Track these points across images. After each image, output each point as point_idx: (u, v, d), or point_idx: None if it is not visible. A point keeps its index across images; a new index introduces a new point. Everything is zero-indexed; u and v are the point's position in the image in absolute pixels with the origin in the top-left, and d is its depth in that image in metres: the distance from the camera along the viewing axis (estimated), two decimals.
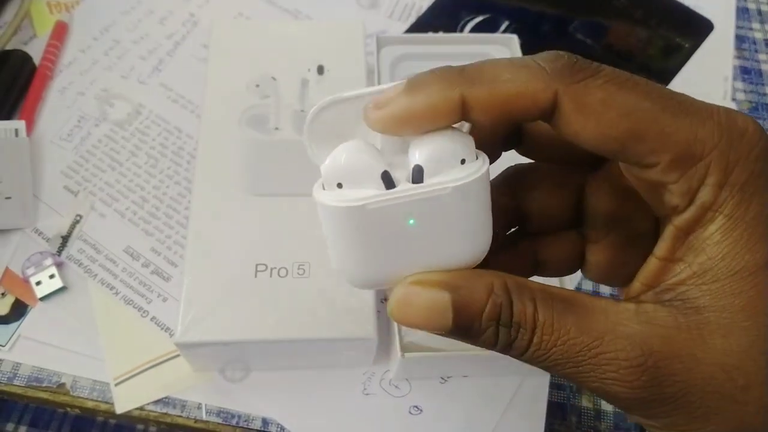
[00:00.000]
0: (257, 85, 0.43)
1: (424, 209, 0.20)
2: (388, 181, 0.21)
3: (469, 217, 0.21)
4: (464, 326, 0.20)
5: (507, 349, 0.20)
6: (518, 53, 0.46)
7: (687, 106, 0.19)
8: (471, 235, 0.21)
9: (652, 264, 0.21)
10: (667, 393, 0.19)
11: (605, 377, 0.19)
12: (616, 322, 0.19)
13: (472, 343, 0.21)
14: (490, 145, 0.22)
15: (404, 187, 0.20)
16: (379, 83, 0.45)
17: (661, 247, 0.20)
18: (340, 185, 0.21)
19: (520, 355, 0.20)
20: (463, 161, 0.20)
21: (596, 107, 0.19)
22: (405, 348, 0.36)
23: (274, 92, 0.43)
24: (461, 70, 0.20)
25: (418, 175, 0.20)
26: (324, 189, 0.22)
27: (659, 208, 0.21)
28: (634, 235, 0.24)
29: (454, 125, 0.21)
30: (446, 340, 0.34)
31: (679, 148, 0.19)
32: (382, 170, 0.21)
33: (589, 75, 0.19)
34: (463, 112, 0.19)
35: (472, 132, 0.22)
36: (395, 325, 0.36)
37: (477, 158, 0.21)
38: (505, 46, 0.48)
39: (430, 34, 0.55)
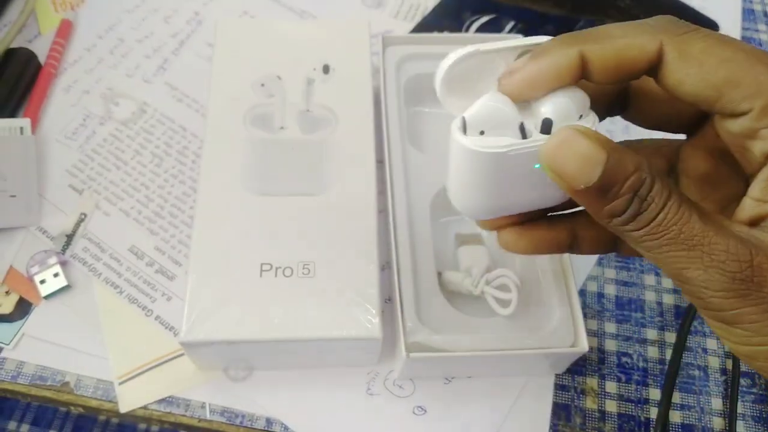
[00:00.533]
0: (262, 85, 0.43)
1: None
2: (524, 132, 0.25)
3: None
4: (606, 186, 0.22)
5: (630, 219, 0.22)
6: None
7: None
8: None
9: (746, 204, 0.23)
10: (764, 293, 0.21)
11: (710, 264, 0.21)
12: (731, 228, 0.22)
13: (597, 207, 0.23)
14: (599, 107, 0.25)
15: (536, 137, 0.24)
16: (384, 83, 0.45)
17: (755, 189, 0.23)
18: (482, 132, 0.25)
19: (639, 228, 0.22)
20: (580, 116, 0.24)
21: (697, 55, 0.21)
22: (410, 348, 0.36)
23: (280, 91, 0.43)
24: (578, 33, 0.24)
25: (546, 127, 0.24)
26: (465, 133, 0.25)
27: (750, 163, 0.23)
28: (725, 198, 0.26)
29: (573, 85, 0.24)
30: (451, 340, 0.34)
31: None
32: (519, 122, 0.25)
33: (690, 30, 0.22)
34: (582, 69, 0.23)
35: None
36: (400, 324, 0.36)
37: (590, 115, 0.25)
38: None
39: (436, 34, 0.55)
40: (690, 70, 0.21)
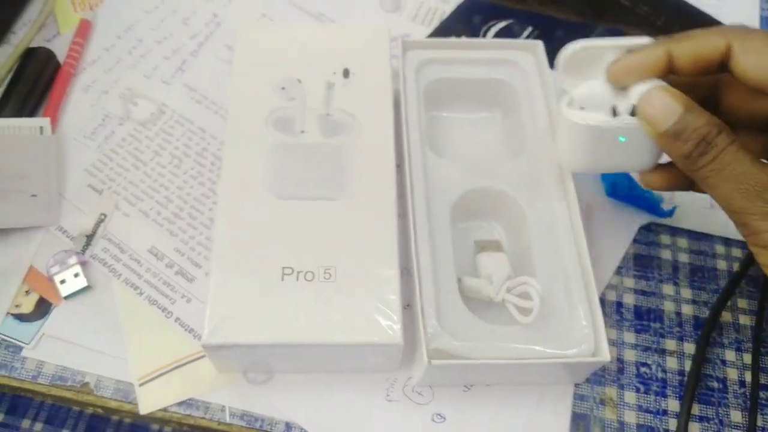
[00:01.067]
0: (283, 88, 0.43)
1: (631, 132, 0.35)
2: (615, 112, 0.35)
3: (653, 143, 0.34)
4: (679, 131, 0.31)
5: (696, 159, 0.31)
6: (543, 60, 0.46)
7: None
8: (652, 153, 0.36)
9: None
10: None
11: (752, 193, 0.30)
12: None
13: (673, 149, 0.32)
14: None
15: (623, 117, 0.34)
16: (404, 87, 0.45)
17: None
18: (582, 108, 0.36)
19: (703, 166, 0.30)
20: None
21: (757, 48, 0.29)
22: (431, 354, 0.36)
23: (300, 95, 0.43)
24: (669, 36, 0.33)
25: (634, 111, 0.34)
26: (569, 107, 0.36)
27: None
28: None
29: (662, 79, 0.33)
30: (471, 347, 0.34)
31: None
32: (612, 105, 0.35)
33: (754, 30, 0.30)
34: (669, 63, 0.32)
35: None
36: (422, 330, 0.36)
37: None
38: (529, 52, 0.48)
39: (455, 39, 0.55)
40: (751, 59, 0.29)
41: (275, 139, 0.41)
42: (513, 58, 0.47)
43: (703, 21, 0.60)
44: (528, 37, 0.58)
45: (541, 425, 0.39)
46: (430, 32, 0.57)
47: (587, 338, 0.37)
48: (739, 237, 0.48)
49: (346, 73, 0.44)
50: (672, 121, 0.30)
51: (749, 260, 0.45)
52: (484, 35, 0.58)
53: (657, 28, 0.60)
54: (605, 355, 0.36)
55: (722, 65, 0.31)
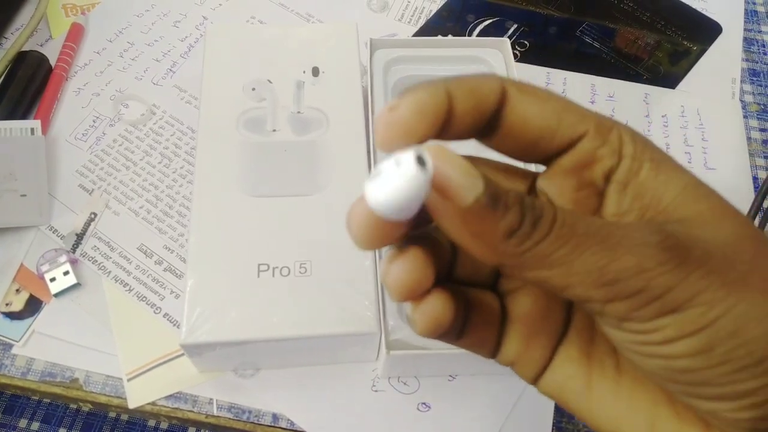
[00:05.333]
0: (253, 89, 0.43)
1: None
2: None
3: None
4: (494, 195, 0.18)
5: (532, 229, 0.19)
6: (510, 56, 0.47)
7: None
8: None
9: None
10: (695, 255, 0.19)
11: (635, 243, 0.19)
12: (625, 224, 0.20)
13: (492, 226, 0.19)
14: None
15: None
16: (371, 85, 0.46)
17: (608, 206, 0.22)
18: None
19: (545, 236, 0.19)
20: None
21: (533, 89, 0.22)
22: (390, 345, 0.36)
23: (271, 95, 0.43)
24: (442, 79, 0.22)
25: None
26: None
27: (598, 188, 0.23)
28: None
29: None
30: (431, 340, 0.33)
31: (597, 118, 0.22)
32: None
33: (524, 82, 0.22)
34: (449, 111, 0.21)
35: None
36: (381, 322, 0.36)
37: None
38: (497, 49, 0.48)
39: (422, 38, 0.56)
40: (529, 99, 0.22)
41: (247, 138, 0.41)
42: (481, 56, 0.48)
43: (690, 15, 0.61)
44: (514, 33, 0.58)
45: (526, 413, 0.40)
46: (416, 31, 0.58)
47: None
48: None
49: (315, 72, 0.44)
50: (481, 185, 0.18)
51: None
52: (471, 33, 0.58)
53: (643, 24, 0.60)
54: None
55: (498, 105, 0.22)
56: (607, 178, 0.22)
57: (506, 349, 0.24)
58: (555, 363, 0.23)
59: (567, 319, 0.24)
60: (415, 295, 0.20)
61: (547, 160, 0.23)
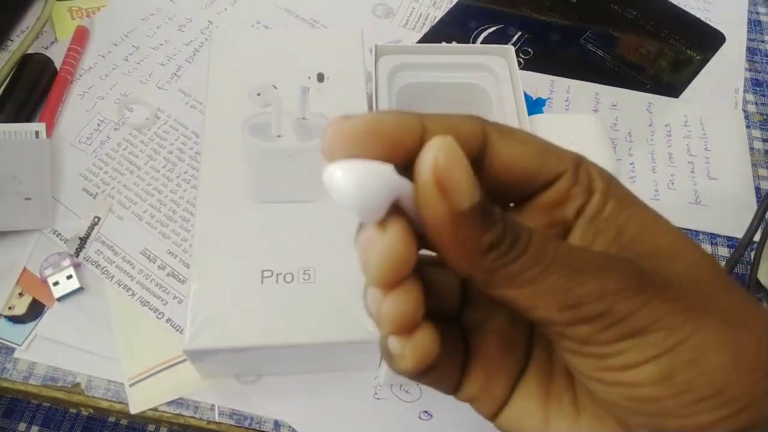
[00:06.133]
0: (258, 94, 0.43)
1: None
2: None
3: None
4: (486, 207, 0.19)
5: (512, 245, 0.19)
6: (514, 64, 0.47)
7: None
8: None
9: None
10: (655, 284, 0.19)
11: (601, 269, 0.19)
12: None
13: (478, 236, 0.19)
14: None
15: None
16: (376, 91, 0.46)
17: (573, 240, 0.22)
18: None
19: (522, 254, 0.19)
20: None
21: (513, 131, 0.22)
22: None
23: (276, 100, 0.43)
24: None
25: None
26: None
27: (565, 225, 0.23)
28: None
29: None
30: None
31: (573, 156, 0.22)
32: None
33: (504, 125, 0.22)
34: (422, 138, 0.20)
35: None
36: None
37: None
38: (501, 56, 0.48)
39: (427, 44, 0.56)
40: (509, 142, 0.21)
41: (252, 144, 0.41)
42: (485, 63, 0.48)
43: (693, 25, 0.61)
44: (518, 41, 0.59)
45: None
46: (421, 37, 0.58)
47: None
48: (726, 233, 0.49)
49: (320, 77, 0.44)
50: (477, 197, 0.18)
51: (736, 259, 0.45)
52: (475, 40, 0.58)
53: (646, 32, 0.60)
54: None
55: (479, 148, 0.21)
56: (578, 214, 0.22)
57: (468, 386, 0.24)
58: (514, 400, 0.23)
59: (527, 356, 0.24)
60: (410, 328, 0.20)
61: (524, 199, 0.23)
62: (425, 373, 0.22)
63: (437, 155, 0.18)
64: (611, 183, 0.22)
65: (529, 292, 0.19)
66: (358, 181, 0.18)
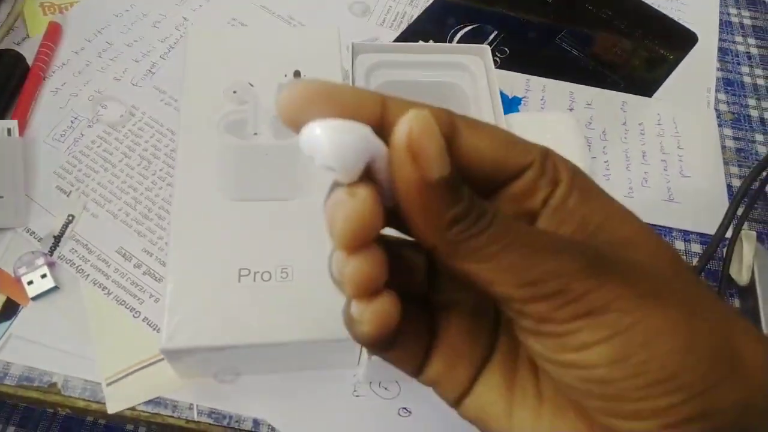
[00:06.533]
0: (234, 92, 0.43)
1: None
2: None
3: None
4: (455, 182, 0.19)
5: (476, 220, 0.20)
6: (490, 63, 0.47)
7: None
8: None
9: None
10: (612, 267, 0.20)
11: (560, 249, 0.20)
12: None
13: (443, 209, 0.19)
14: None
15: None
16: None
17: (540, 226, 0.23)
18: None
19: (484, 229, 0.20)
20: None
21: (480, 123, 0.22)
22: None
23: (252, 98, 0.43)
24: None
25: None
26: None
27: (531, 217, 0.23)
28: None
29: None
30: None
31: (539, 148, 0.23)
32: None
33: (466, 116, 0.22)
34: (381, 115, 0.20)
35: None
36: None
37: None
38: (477, 55, 0.49)
39: (404, 43, 0.56)
40: (477, 132, 0.22)
41: (228, 142, 0.41)
42: (462, 62, 0.48)
43: (666, 25, 0.62)
44: (494, 39, 0.59)
45: None
46: (398, 36, 0.58)
47: None
48: (699, 230, 0.50)
49: (297, 75, 0.44)
50: (447, 170, 0.19)
51: (709, 255, 0.46)
52: (451, 39, 0.59)
53: (621, 32, 0.61)
54: None
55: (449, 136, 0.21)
56: (544, 204, 0.23)
57: (430, 368, 0.24)
58: (477, 388, 0.24)
59: (491, 345, 0.24)
60: (372, 292, 0.20)
61: (493, 191, 0.23)
62: (386, 347, 0.23)
63: (412, 125, 0.19)
64: (577, 174, 0.23)
65: (490, 267, 0.20)
66: (337, 138, 0.18)
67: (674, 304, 0.20)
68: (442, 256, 0.21)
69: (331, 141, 0.18)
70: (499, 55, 0.58)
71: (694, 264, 0.47)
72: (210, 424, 0.39)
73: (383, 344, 0.22)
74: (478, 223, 0.20)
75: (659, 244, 0.22)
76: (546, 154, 0.23)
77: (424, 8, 0.60)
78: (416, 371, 0.24)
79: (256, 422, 0.40)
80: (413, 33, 0.59)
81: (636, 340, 0.19)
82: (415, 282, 0.25)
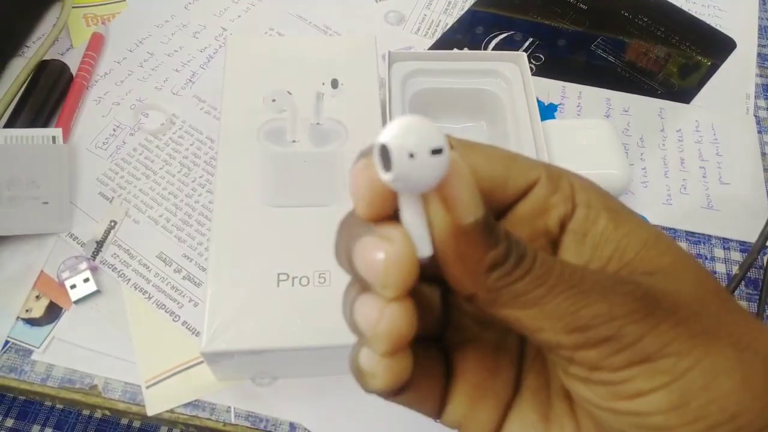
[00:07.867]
0: (273, 100, 0.44)
1: None
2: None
3: None
4: (490, 223, 0.18)
5: (516, 264, 0.18)
6: (527, 70, 0.47)
7: None
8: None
9: None
10: (664, 307, 0.19)
11: (606, 291, 0.19)
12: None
13: (480, 254, 0.18)
14: None
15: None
16: (390, 97, 0.46)
17: (566, 255, 0.21)
18: None
19: (525, 274, 0.18)
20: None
21: (477, 144, 0.21)
22: None
23: (291, 106, 0.44)
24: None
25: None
26: None
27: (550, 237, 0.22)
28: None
29: None
30: None
31: (546, 166, 0.22)
32: None
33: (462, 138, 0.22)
34: None
35: None
36: None
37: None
38: (513, 62, 0.49)
39: (440, 51, 0.56)
40: (476, 151, 0.21)
41: (267, 149, 0.42)
42: (498, 69, 0.48)
43: (704, 31, 0.61)
44: (528, 47, 0.59)
45: None
46: (432, 44, 0.58)
47: None
48: (739, 237, 0.49)
49: (334, 84, 0.45)
50: (481, 212, 0.18)
51: (749, 263, 0.45)
52: (486, 46, 0.59)
53: (657, 39, 0.60)
54: None
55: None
56: (563, 225, 0.22)
57: (452, 409, 0.23)
58: (509, 427, 0.22)
59: (517, 379, 0.23)
60: (402, 349, 0.19)
61: (502, 212, 0.23)
62: (397, 394, 0.21)
63: (448, 172, 0.18)
64: (599, 194, 0.22)
65: (535, 314, 0.18)
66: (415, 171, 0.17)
67: (727, 340, 0.19)
68: (482, 304, 0.19)
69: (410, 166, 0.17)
70: (534, 62, 0.58)
71: (734, 273, 0.46)
72: (247, 427, 0.40)
73: (393, 393, 0.21)
74: (519, 267, 0.18)
75: (700, 272, 0.21)
76: (555, 171, 0.22)
77: (458, 17, 0.61)
78: (435, 413, 0.23)
79: (293, 426, 0.40)
80: (447, 41, 0.59)
81: (695, 384, 0.18)
82: (428, 323, 0.23)
